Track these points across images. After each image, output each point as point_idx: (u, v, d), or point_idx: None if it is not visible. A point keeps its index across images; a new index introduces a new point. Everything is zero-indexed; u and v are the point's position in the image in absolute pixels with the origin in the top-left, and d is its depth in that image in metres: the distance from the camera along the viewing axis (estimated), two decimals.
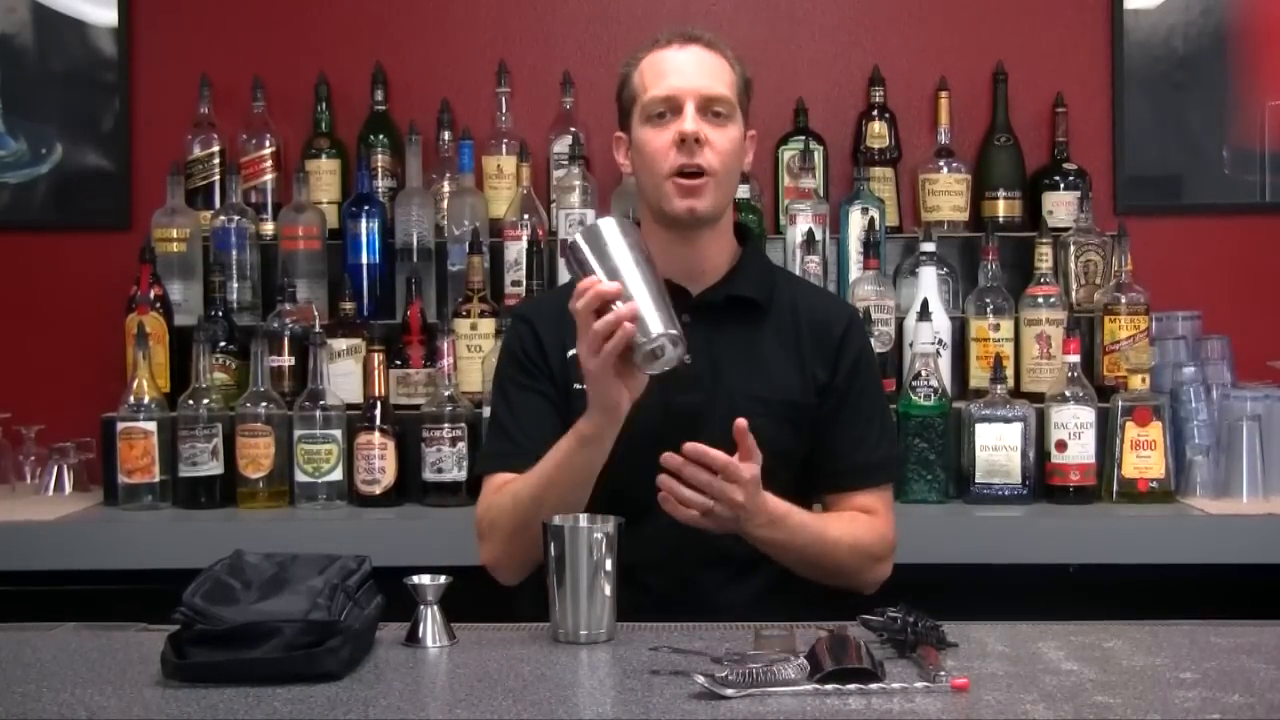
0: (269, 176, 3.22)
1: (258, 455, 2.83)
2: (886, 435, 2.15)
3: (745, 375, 2.02)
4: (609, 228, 1.87)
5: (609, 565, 1.68)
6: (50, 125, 3.35)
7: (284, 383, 2.96)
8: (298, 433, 2.84)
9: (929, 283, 2.96)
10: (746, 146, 2.07)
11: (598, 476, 1.92)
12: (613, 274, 1.81)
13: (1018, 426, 2.83)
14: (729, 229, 2.10)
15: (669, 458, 1.79)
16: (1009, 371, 2.95)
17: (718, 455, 1.80)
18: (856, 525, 2.04)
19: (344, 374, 2.92)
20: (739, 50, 2.10)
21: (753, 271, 2.10)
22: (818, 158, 3.15)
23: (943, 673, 1.49)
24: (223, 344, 2.97)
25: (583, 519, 1.75)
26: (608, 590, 1.69)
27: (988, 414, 2.84)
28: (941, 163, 3.20)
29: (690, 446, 1.79)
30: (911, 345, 2.89)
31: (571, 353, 2.00)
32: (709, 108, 1.99)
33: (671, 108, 1.99)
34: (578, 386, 2.00)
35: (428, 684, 1.55)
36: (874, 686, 1.46)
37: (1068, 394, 2.83)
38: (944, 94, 3.23)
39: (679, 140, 1.96)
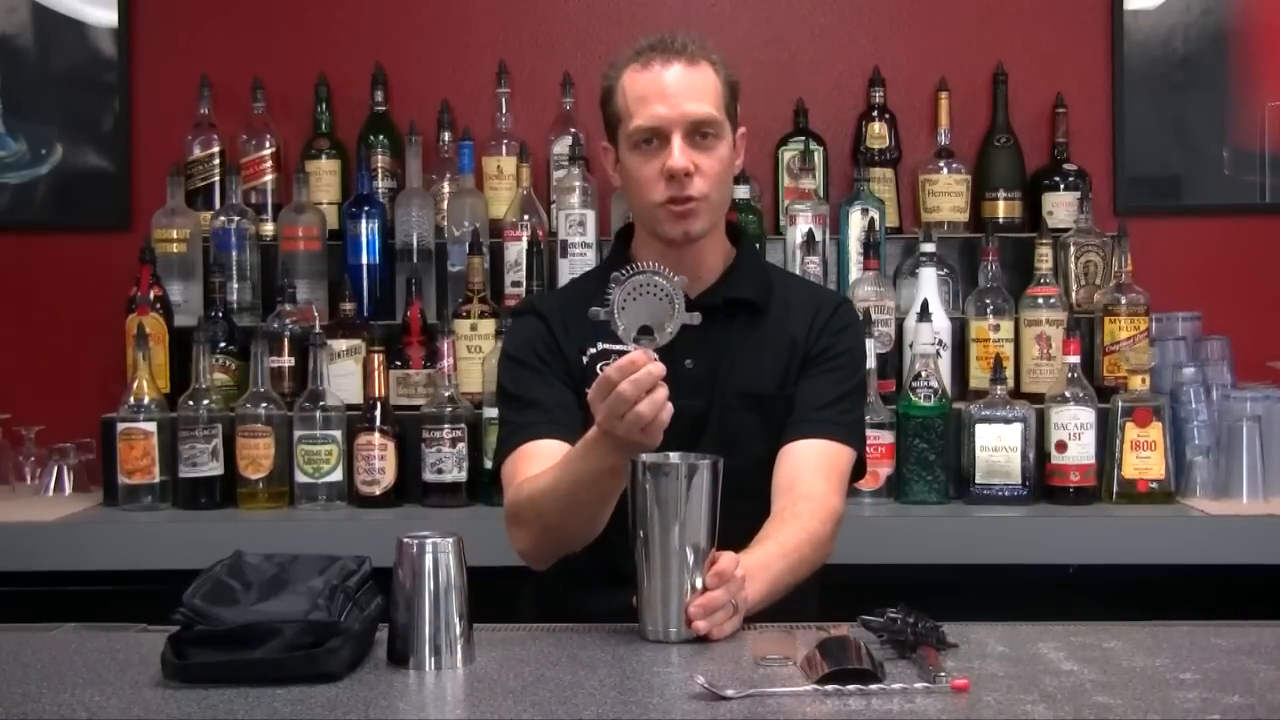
0: (269, 177, 3.22)
1: (258, 456, 2.83)
2: (854, 410, 2.08)
3: (741, 373, 2.02)
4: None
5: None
6: (50, 125, 3.35)
7: (284, 383, 2.96)
8: (298, 433, 2.84)
9: (929, 283, 2.96)
10: (737, 150, 2.03)
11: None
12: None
13: (1018, 427, 2.83)
14: (722, 231, 2.09)
15: (698, 610, 1.65)
16: (1009, 372, 2.95)
17: (725, 563, 1.69)
18: (793, 524, 1.91)
19: (344, 374, 2.92)
20: (737, 51, 2.08)
21: (749, 272, 2.10)
22: (818, 158, 3.15)
23: (943, 673, 1.49)
24: (223, 344, 2.98)
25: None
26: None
27: (988, 414, 2.84)
28: (941, 163, 3.20)
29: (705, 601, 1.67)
30: (911, 346, 2.89)
31: (588, 354, 1.99)
32: (696, 131, 1.94)
33: (658, 136, 1.94)
34: None
35: (428, 685, 1.55)
36: (874, 687, 1.45)
37: (1068, 394, 2.83)
38: (944, 94, 3.22)
39: (668, 175, 1.93)
